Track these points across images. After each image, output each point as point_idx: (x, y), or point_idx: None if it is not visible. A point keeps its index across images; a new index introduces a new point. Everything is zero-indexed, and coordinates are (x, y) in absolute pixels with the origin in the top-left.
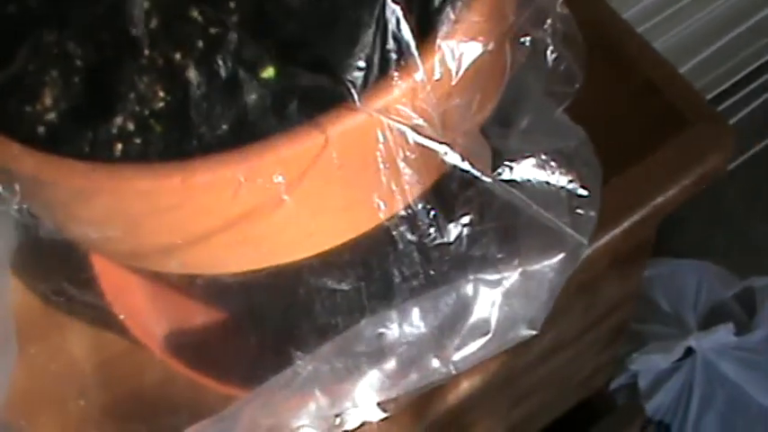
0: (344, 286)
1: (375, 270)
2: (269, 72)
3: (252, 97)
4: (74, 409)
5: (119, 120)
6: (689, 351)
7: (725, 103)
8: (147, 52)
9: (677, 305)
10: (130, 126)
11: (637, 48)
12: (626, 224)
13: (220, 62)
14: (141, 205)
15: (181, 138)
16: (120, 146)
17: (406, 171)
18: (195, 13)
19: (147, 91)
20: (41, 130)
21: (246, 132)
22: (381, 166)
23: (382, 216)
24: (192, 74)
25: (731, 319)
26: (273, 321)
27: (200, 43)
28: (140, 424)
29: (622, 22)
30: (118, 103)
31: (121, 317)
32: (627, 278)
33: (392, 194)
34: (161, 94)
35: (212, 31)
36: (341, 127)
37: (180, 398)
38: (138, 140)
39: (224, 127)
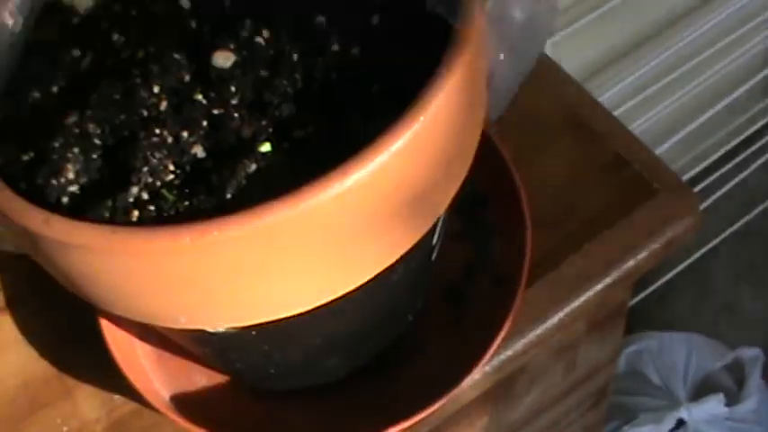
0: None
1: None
2: (266, 147)
3: (251, 168)
4: None
5: (134, 190)
6: (680, 423)
7: (707, 180)
8: (158, 131)
9: (667, 377)
10: (145, 195)
11: (606, 125)
12: (599, 287)
13: (223, 139)
14: (155, 263)
15: (190, 204)
16: (136, 213)
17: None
18: (200, 97)
19: (158, 165)
20: (66, 200)
21: (248, 198)
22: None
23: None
24: (198, 150)
25: (721, 390)
26: (276, 376)
27: (205, 123)
28: None
29: (593, 101)
30: (133, 175)
31: (129, 378)
32: (605, 341)
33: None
34: (171, 167)
35: (215, 111)
36: (330, 192)
37: None
38: (152, 207)
39: (228, 195)
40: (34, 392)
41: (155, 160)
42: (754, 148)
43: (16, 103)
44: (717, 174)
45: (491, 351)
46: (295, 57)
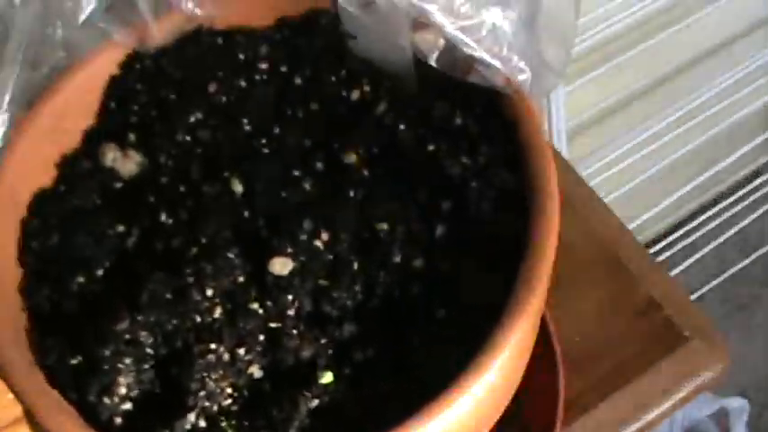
0: None
1: None
2: (327, 377)
3: (313, 404)
4: None
5: (191, 417)
6: None
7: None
8: (213, 346)
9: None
10: (202, 423)
11: (641, 264)
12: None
13: (281, 359)
14: None
15: None
16: None
17: None
18: (256, 306)
19: (215, 388)
20: (119, 420)
21: None
22: None
23: None
24: (256, 370)
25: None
26: None
27: (261, 337)
28: None
29: (630, 238)
30: (189, 398)
31: None
32: None
33: None
34: (228, 390)
35: (272, 325)
36: None
37: None
38: None
39: None
40: None
41: (211, 383)
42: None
43: (60, 288)
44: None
45: None
46: (355, 266)
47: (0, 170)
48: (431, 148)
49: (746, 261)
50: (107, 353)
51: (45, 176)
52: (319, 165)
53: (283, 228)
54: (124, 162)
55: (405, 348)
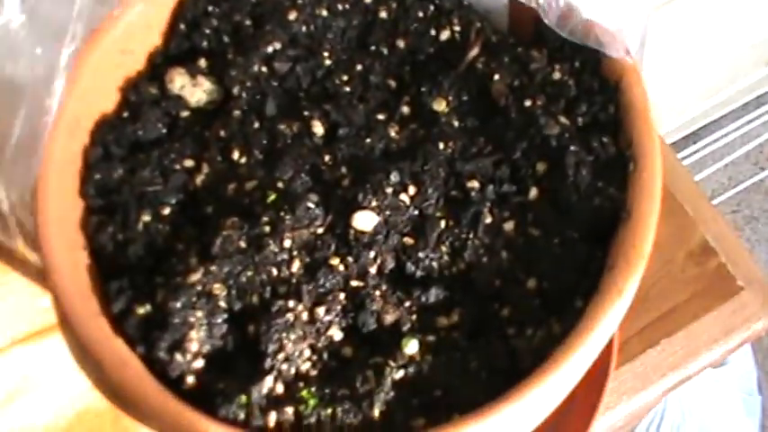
0: None
1: None
2: (412, 346)
3: (398, 375)
4: None
5: (269, 381)
6: None
7: None
8: (291, 304)
9: None
10: (279, 389)
11: (698, 205)
12: (671, 384)
13: (362, 322)
14: None
15: (333, 415)
16: (273, 416)
17: None
18: (336, 261)
19: (293, 351)
20: (191, 380)
21: (396, 414)
22: None
23: None
24: (336, 332)
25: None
26: None
27: (343, 297)
28: None
29: (687, 176)
30: (265, 361)
31: None
32: None
33: None
34: (307, 353)
35: (354, 284)
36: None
37: None
38: (289, 410)
39: (376, 411)
40: (90, 425)
41: (289, 344)
42: None
43: (125, 226)
44: None
45: None
46: (442, 224)
47: (64, 96)
48: (527, 103)
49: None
50: (178, 305)
51: (108, 102)
52: (405, 110)
53: (368, 178)
54: (193, 90)
55: (493, 318)
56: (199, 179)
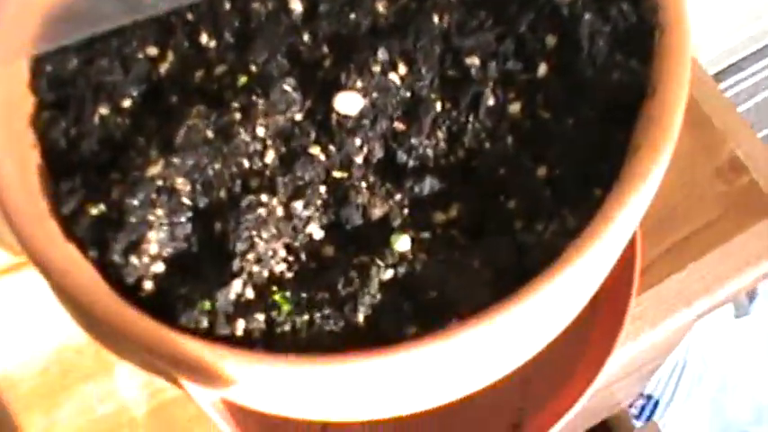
0: None
1: None
2: (403, 242)
3: (386, 275)
4: None
5: (237, 285)
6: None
7: None
8: (264, 198)
9: None
10: (249, 293)
11: (725, 118)
12: (698, 311)
13: (346, 217)
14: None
15: (310, 322)
16: (241, 324)
17: None
18: (317, 150)
19: (266, 250)
20: (149, 286)
21: (383, 322)
22: None
23: None
24: (315, 229)
25: (731, 301)
26: None
27: (323, 190)
28: None
29: (714, 87)
30: (234, 262)
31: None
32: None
33: None
34: (282, 253)
35: (336, 175)
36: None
37: None
38: (260, 318)
39: (360, 317)
40: (68, 363)
41: (261, 243)
42: None
43: (79, 121)
44: None
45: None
46: (438, 107)
47: None
48: None
49: None
50: (135, 202)
51: None
52: None
53: (352, 57)
54: None
55: (497, 211)
56: (163, 68)
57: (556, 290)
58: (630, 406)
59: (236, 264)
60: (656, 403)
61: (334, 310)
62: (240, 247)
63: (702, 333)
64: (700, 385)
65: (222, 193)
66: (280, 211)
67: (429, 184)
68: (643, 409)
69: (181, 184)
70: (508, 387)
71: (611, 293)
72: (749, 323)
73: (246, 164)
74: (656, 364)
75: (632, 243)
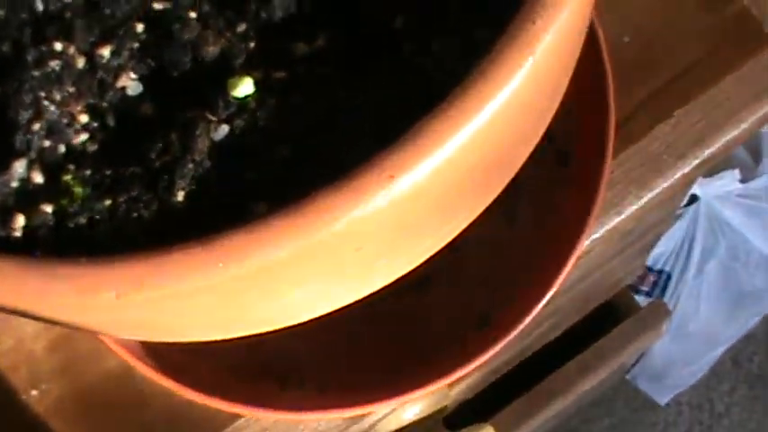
0: None
1: None
2: (245, 86)
3: (221, 133)
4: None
5: (19, 167)
6: (693, 198)
7: None
8: (58, 45)
9: None
10: (38, 178)
11: None
12: (688, 169)
13: (170, 61)
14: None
15: (114, 210)
16: (21, 220)
17: None
18: None
19: (59, 114)
20: None
21: (215, 195)
22: None
23: None
24: (129, 82)
25: (737, 165)
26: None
27: (141, 28)
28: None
29: None
30: (16, 134)
31: None
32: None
33: None
34: (83, 118)
35: (156, 7)
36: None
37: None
38: (48, 209)
39: (178, 196)
40: None
41: (54, 108)
42: None
43: None
44: None
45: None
46: None
47: None
48: None
49: None
50: None
51: None
52: None
53: None
54: None
55: (379, 37)
56: None
57: (466, 126)
58: (641, 284)
59: (18, 139)
60: (668, 277)
61: (143, 189)
62: (24, 115)
63: (710, 202)
64: (711, 255)
65: (6, 47)
66: (81, 63)
67: (281, 5)
68: (655, 285)
69: None
70: (473, 275)
71: (579, 151)
72: (756, 186)
73: (40, 5)
74: (655, 233)
75: (597, 63)
